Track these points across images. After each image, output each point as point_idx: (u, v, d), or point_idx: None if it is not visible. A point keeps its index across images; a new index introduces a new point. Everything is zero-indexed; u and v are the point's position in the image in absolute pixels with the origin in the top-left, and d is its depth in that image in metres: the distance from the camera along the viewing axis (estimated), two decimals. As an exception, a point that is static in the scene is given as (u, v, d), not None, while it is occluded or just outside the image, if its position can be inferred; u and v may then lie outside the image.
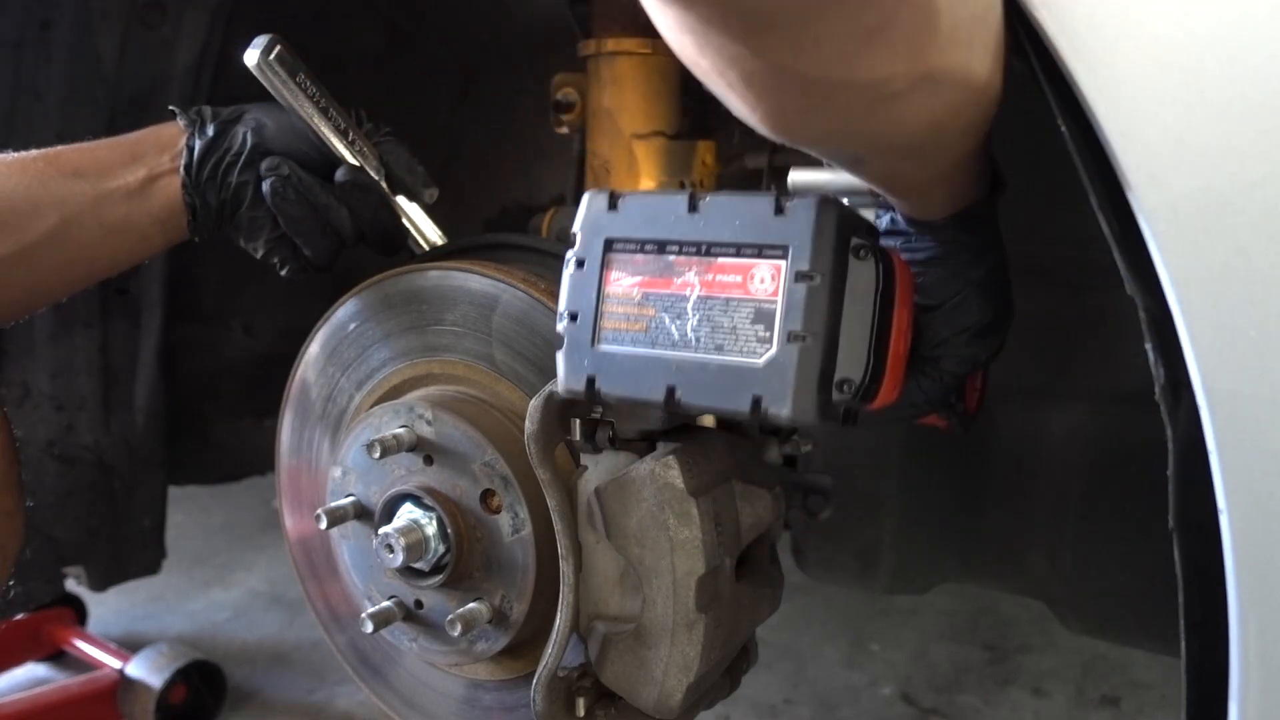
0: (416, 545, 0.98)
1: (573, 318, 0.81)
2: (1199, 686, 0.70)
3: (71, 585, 1.85)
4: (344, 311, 1.13)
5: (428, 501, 1.00)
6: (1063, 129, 0.66)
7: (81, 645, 2.37)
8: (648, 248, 0.78)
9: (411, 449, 1.00)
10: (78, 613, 2.54)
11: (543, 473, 0.88)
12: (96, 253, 1.07)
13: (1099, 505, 1.34)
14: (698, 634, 0.89)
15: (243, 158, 1.08)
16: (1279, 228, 0.60)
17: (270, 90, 1.06)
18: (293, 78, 1.05)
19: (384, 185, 1.12)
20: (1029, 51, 0.66)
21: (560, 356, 0.82)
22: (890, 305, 0.78)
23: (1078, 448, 1.35)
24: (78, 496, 1.70)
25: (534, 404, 0.88)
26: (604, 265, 0.80)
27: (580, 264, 0.81)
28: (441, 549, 1.00)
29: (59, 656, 2.45)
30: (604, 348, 0.80)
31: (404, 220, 1.16)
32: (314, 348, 1.17)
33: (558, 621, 0.91)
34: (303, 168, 1.09)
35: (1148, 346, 0.67)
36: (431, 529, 0.99)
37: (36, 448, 1.65)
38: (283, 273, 1.15)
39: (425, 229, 1.17)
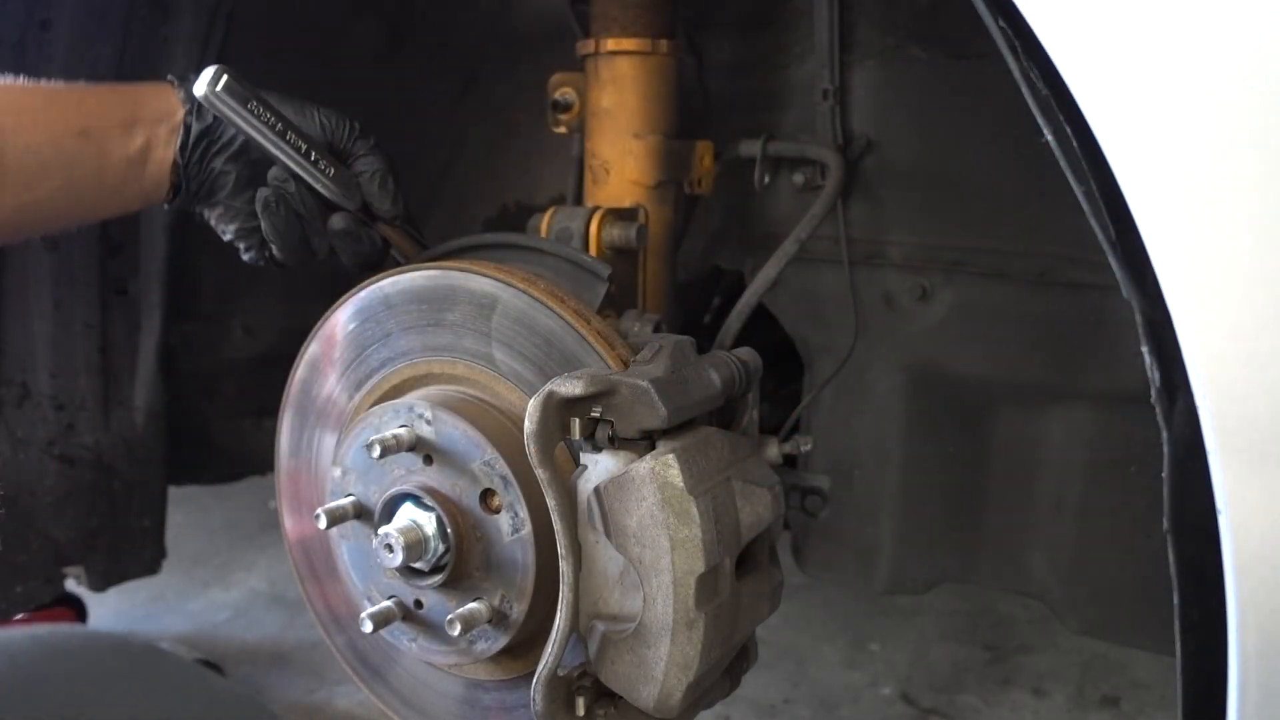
0: (416, 545, 0.98)
1: None
2: (1195, 687, 0.70)
3: (71, 585, 1.85)
4: (344, 311, 1.13)
5: (427, 501, 1.00)
6: (1047, 135, 0.66)
7: (82, 645, 2.37)
8: None
9: (411, 449, 1.01)
10: (78, 613, 2.53)
11: (542, 472, 0.88)
12: (87, 207, 1.12)
13: (1099, 505, 1.34)
14: (697, 633, 0.89)
15: (230, 150, 1.12)
16: (1277, 229, 0.61)
17: (225, 120, 1.08)
18: (244, 105, 1.06)
19: (361, 214, 1.15)
20: (1019, 53, 0.66)
21: None
22: None
23: (1078, 448, 1.35)
24: (78, 496, 1.70)
25: (533, 403, 0.88)
26: None
27: None
28: (441, 548, 1.00)
29: (59, 656, 2.44)
30: None
31: (389, 244, 1.18)
32: (314, 347, 1.17)
33: (557, 621, 0.91)
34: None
35: (1143, 349, 0.67)
36: (431, 529, 0.99)
37: (37, 448, 1.65)
38: (245, 257, 1.19)
39: (406, 245, 1.19)
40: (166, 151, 1.11)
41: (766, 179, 1.40)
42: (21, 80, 1.08)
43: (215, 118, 1.10)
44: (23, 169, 1.03)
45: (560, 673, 0.92)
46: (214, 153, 1.12)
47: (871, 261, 1.39)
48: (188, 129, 1.10)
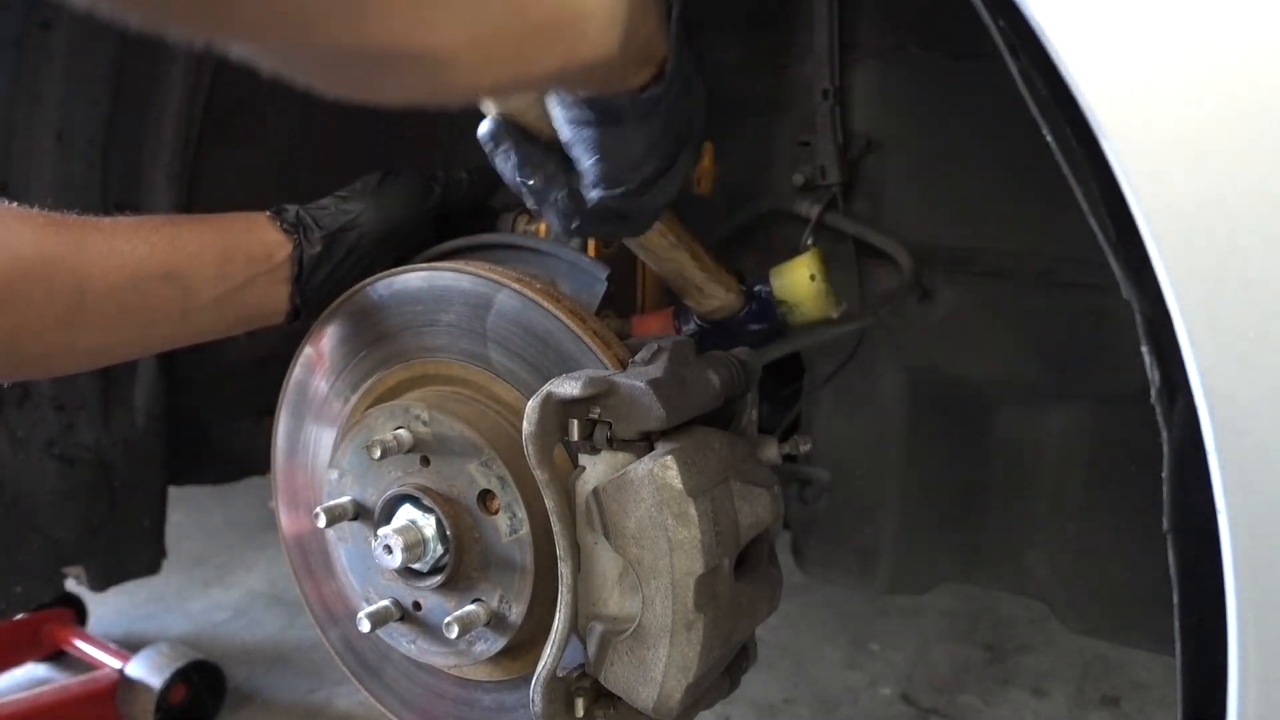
0: (415, 546, 0.98)
1: None
2: (1194, 689, 0.70)
3: (71, 585, 1.85)
4: (341, 312, 1.13)
5: (426, 502, 1.00)
6: (1047, 135, 0.65)
7: (81, 645, 2.37)
8: None
9: (409, 450, 1.00)
10: (78, 613, 2.53)
11: (541, 474, 0.88)
12: (169, 344, 1.06)
13: (1099, 505, 1.33)
14: (696, 634, 0.88)
15: (354, 255, 1.12)
16: (1277, 228, 0.60)
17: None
18: None
19: None
20: (1018, 53, 0.66)
21: None
22: None
23: (1078, 448, 1.34)
24: (78, 496, 1.69)
25: (532, 405, 0.87)
26: None
27: None
28: (440, 550, 1.00)
29: (59, 656, 2.44)
30: None
31: None
32: (310, 349, 1.16)
33: (556, 622, 0.91)
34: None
35: (1144, 349, 0.67)
36: (430, 530, 0.99)
37: (36, 447, 1.65)
38: None
39: None
40: (271, 287, 1.06)
41: None
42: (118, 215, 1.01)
43: (325, 247, 1.09)
44: (103, 315, 0.95)
45: (559, 674, 0.92)
46: (340, 276, 1.11)
47: (872, 261, 1.38)
48: (299, 263, 1.07)
